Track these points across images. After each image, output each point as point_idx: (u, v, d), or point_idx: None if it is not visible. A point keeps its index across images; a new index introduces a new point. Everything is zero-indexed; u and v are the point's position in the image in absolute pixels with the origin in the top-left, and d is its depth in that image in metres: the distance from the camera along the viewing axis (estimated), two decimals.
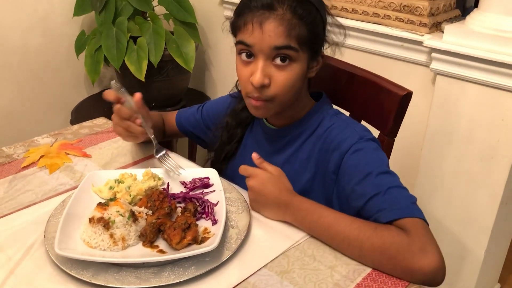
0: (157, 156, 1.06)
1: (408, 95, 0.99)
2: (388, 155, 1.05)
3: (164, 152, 1.07)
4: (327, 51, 1.02)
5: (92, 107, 2.17)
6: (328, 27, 0.99)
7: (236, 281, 0.80)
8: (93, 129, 1.32)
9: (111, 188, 0.98)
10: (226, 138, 1.16)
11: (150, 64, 1.91)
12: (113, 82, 1.01)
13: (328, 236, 0.86)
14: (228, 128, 1.16)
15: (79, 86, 2.30)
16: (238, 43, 0.94)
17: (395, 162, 1.18)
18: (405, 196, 0.87)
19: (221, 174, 1.09)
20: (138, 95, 1.02)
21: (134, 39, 1.94)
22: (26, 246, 0.86)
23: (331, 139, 0.98)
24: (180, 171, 1.04)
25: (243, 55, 0.94)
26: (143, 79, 1.90)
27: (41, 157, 1.16)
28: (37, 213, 0.94)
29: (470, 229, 1.54)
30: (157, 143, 1.07)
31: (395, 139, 1.05)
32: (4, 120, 2.04)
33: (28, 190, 1.03)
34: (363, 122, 1.09)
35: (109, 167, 1.13)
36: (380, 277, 0.80)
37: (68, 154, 1.18)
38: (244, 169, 0.96)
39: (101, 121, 1.38)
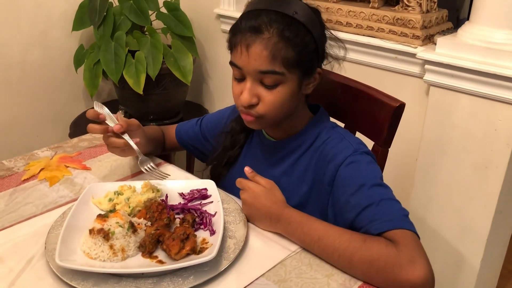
0: (143, 168, 1.11)
1: (401, 106, 1.01)
2: (383, 165, 1.07)
3: (149, 163, 1.12)
4: (327, 65, 1.04)
5: (91, 120, 2.19)
6: (329, 43, 1.01)
7: None
8: (92, 142, 1.34)
9: (110, 200, 1.00)
10: (229, 143, 1.17)
11: (148, 77, 1.93)
12: (96, 102, 1.10)
13: (318, 248, 0.88)
14: (232, 133, 1.17)
15: (78, 99, 2.32)
16: (230, 63, 0.97)
17: (390, 172, 1.20)
18: (397, 208, 0.89)
19: (220, 182, 1.11)
20: (116, 127, 1.08)
21: (133, 53, 1.96)
22: (27, 258, 0.88)
23: (327, 151, 1.00)
24: (167, 177, 1.10)
25: (236, 74, 0.97)
26: (141, 92, 1.92)
27: (41, 170, 1.17)
28: (38, 225, 0.95)
29: (465, 239, 1.56)
30: (141, 154, 1.11)
31: (390, 149, 1.07)
32: (3, 134, 2.06)
33: (29, 202, 1.05)
34: (357, 133, 1.11)
35: (108, 179, 1.14)
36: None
37: (68, 166, 1.19)
38: (239, 182, 0.98)
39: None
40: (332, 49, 1.02)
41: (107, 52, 1.95)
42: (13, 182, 1.13)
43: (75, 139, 1.35)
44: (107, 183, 1.08)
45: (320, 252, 0.88)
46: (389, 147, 1.06)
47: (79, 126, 2.13)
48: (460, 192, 1.52)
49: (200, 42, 2.31)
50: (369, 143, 1.06)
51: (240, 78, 0.96)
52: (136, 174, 1.17)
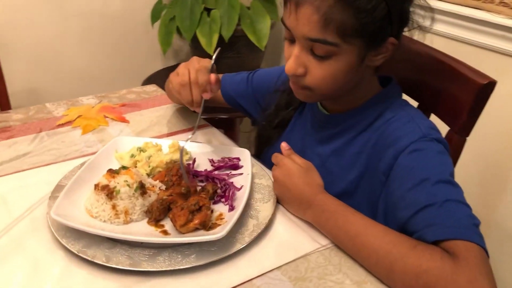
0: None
1: (490, 84, 0.78)
2: (456, 158, 0.85)
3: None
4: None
5: (165, 80, 2.14)
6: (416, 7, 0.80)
7: (238, 280, 0.67)
8: (140, 95, 1.26)
9: (132, 156, 0.90)
10: (284, 102, 1.01)
11: (221, 39, 1.82)
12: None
13: (353, 247, 0.70)
14: (289, 91, 0.98)
15: (155, 57, 2.28)
16: (281, 20, 0.80)
17: (468, 170, 0.97)
18: (465, 214, 0.68)
19: (269, 148, 0.97)
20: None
21: (209, 11, 1.86)
22: (29, 204, 0.81)
23: (388, 133, 0.81)
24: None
25: (286, 34, 0.80)
26: (212, 53, 1.81)
27: (79, 116, 1.11)
28: (54, 173, 0.88)
29: None
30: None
31: (475, 141, 0.84)
32: (76, 81, 2.07)
33: (54, 148, 0.98)
34: (433, 117, 0.90)
35: (144, 135, 1.05)
36: None
37: (107, 117, 1.12)
38: (274, 157, 0.83)
39: (151, 88, 1.31)
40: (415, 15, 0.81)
41: (183, 8, 1.86)
42: (48, 126, 1.07)
43: (124, 90, 1.28)
44: (134, 137, 0.98)
45: (354, 252, 0.71)
46: (467, 135, 0.84)
47: (151, 84, 2.09)
48: None
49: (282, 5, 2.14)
50: (444, 129, 0.85)
51: (291, 39, 0.80)
52: (173, 133, 1.06)
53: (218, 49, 0.93)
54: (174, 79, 0.94)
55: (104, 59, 2.13)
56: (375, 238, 0.68)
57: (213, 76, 0.88)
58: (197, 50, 1.90)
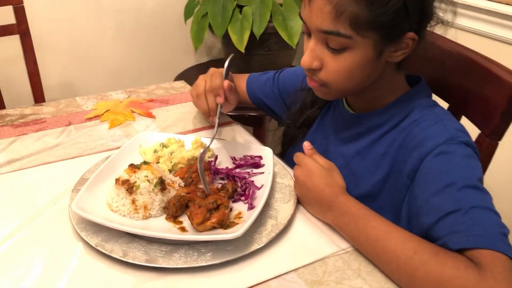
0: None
1: None
2: (487, 163, 0.82)
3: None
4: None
5: (196, 76, 2.15)
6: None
7: (254, 280, 0.66)
8: (168, 91, 1.26)
9: (155, 151, 0.90)
10: (309, 100, 0.99)
11: (253, 36, 1.81)
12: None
13: (373, 252, 0.68)
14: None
15: (187, 53, 2.29)
16: (299, 14, 0.79)
17: (497, 174, 0.93)
18: (492, 222, 0.65)
19: (293, 147, 0.96)
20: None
21: (241, 8, 1.85)
22: (54, 196, 0.82)
23: (414, 134, 0.78)
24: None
25: (303, 28, 0.79)
26: (243, 50, 1.81)
27: (107, 111, 1.12)
28: (79, 166, 0.89)
29: None
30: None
31: (501, 143, 0.80)
32: (111, 77, 2.11)
33: (81, 142, 1.00)
34: (464, 120, 0.86)
35: (169, 131, 1.05)
36: None
37: (134, 112, 1.13)
38: (296, 156, 0.82)
39: (179, 84, 1.31)
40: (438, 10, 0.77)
41: (216, 4, 1.86)
42: (76, 119, 1.09)
43: (153, 86, 1.29)
44: (158, 133, 0.99)
45: (374, 257, 0.69)
46: (499, 139, 0.80)
47: (184, 80, 2.10)
48: None
49: None
50: (475, 133, 0.82)
51: (307, 32, 0.78)
52: (198, 130, 1.06)
53: (231, 55, 0.93)
54: (191, 90, 0.96)
55: (137, 55, 2.15)
56: (396, 243, 0.66)
57: (226, 82, 0.89)
58: (229, 47, 1.90)
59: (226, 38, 1.87)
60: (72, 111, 1.13)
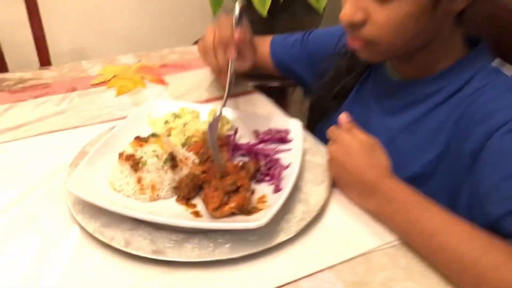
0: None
1: None
2: None
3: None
4: None
5: None
6: None
7: (281, 279, 0.55)
8: (183, 56, 1.14)
9: (166, 122, 0.78)
10: (345, 67, 0.86)
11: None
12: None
13: (428, 249, 0.56)
14: (350, 54, 0.84)
15: (205, 18, 2.14)
16: None
17: None
18: None
19: (324, 122, 0.83)
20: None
21: None
22: (49, 172, 0.71)
23: (478, 105, 0.65)
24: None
25: None
26: (265, 14, 1.67)
27: (114, 76, 1.00)
28: (80, 137, 0.77)
29: None
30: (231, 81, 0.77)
31: None
32: (124, 42, 1.99)
33: (84, 110, 0.89)
34: None
35: (183, 100, 0.93)
36: None
37: (144, 78, 1.01)
38: (331, 131, 0.69)
39: (195, 48, 1.18)
40: None
41: None
42: (80, 85, 0.97)
43: (166, 50, 1.16)
44: (170, 101, 0.87)
45: (429, 254, 0.56)
46: None
47: None
48: None
49: None
50: None
51: None
52: (215, 99, 0.93)
53: None
54: (198, 45, 0.82)
55: (152, 20, 2.03)
56: (458, 240, 0.54)
57: (238, 32, 0.74)
58: (249, 10, 1.75)
59: (247, 1, 1.73)
60: (76, 76, 1.02)
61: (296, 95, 1.75)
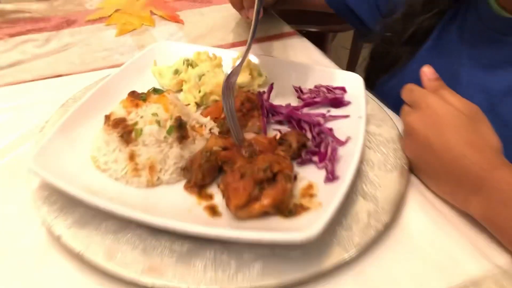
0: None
1: None
2: None
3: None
4: None
5: None
6: None
7: None
8: None
9: (176, 72, 0.58)
10: (421, 1, 0.63)
11: None
12: None
13: None
14: None
15: None
16: None
17: None
18: None
19: (392, 76, 0.63)
20: None
21: None
22: (14, 137, 0.52)
23: None
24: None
25: None
26: None
27: (116, 11, 0.79)
28: (63, 90, 0.58)
29: None
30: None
31: None
32: None
33: (75, 53, 0.69)
34: None
35: (201, 43, 0.72)
36: None
37: (154, 14, 0.79)
38: (408, 91, 0.47)
39: None
40: None
41: None
42: (73, 21, 0.77)
43: None
44: (183, 44, 0.65)
45: None
46: None
47: None
48: None
49: None
50: None
51: None
52: (241, 43, 0.72)
53: None
54: None
55: None
56: None
57: None
58: None
59: None
60: (70, 10, 0.81)
61: (340, 41, 1.50)
